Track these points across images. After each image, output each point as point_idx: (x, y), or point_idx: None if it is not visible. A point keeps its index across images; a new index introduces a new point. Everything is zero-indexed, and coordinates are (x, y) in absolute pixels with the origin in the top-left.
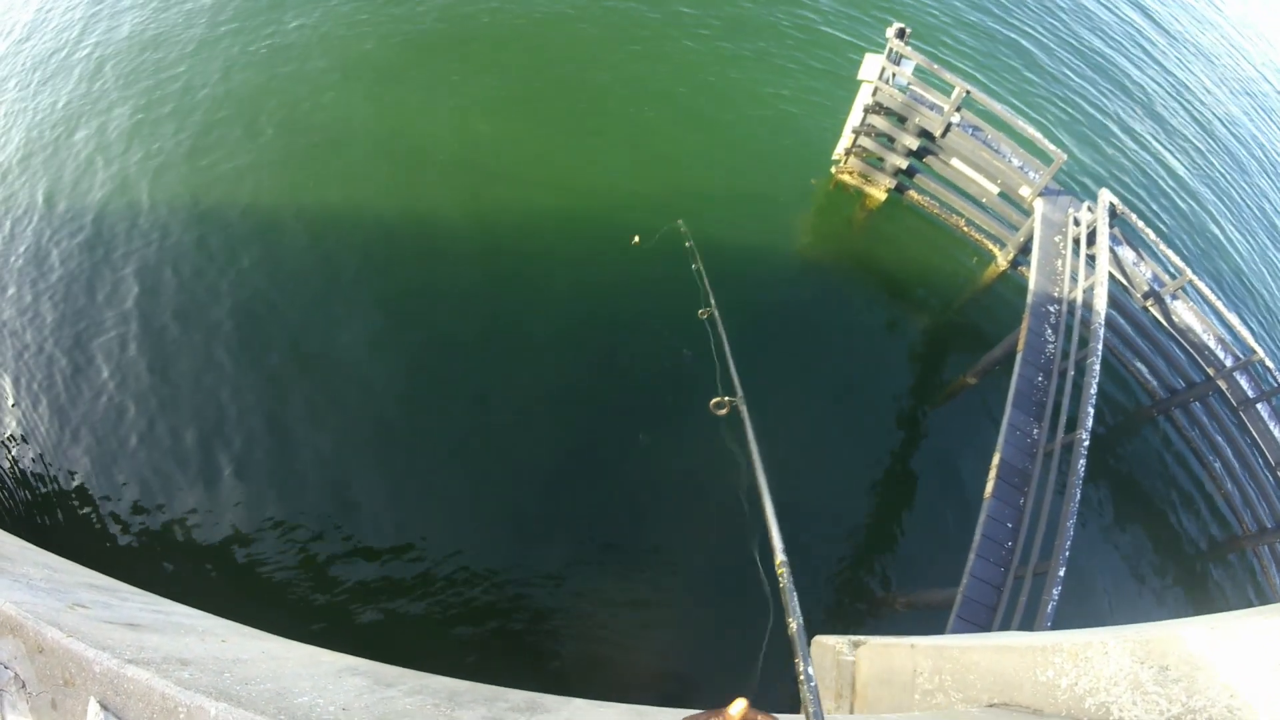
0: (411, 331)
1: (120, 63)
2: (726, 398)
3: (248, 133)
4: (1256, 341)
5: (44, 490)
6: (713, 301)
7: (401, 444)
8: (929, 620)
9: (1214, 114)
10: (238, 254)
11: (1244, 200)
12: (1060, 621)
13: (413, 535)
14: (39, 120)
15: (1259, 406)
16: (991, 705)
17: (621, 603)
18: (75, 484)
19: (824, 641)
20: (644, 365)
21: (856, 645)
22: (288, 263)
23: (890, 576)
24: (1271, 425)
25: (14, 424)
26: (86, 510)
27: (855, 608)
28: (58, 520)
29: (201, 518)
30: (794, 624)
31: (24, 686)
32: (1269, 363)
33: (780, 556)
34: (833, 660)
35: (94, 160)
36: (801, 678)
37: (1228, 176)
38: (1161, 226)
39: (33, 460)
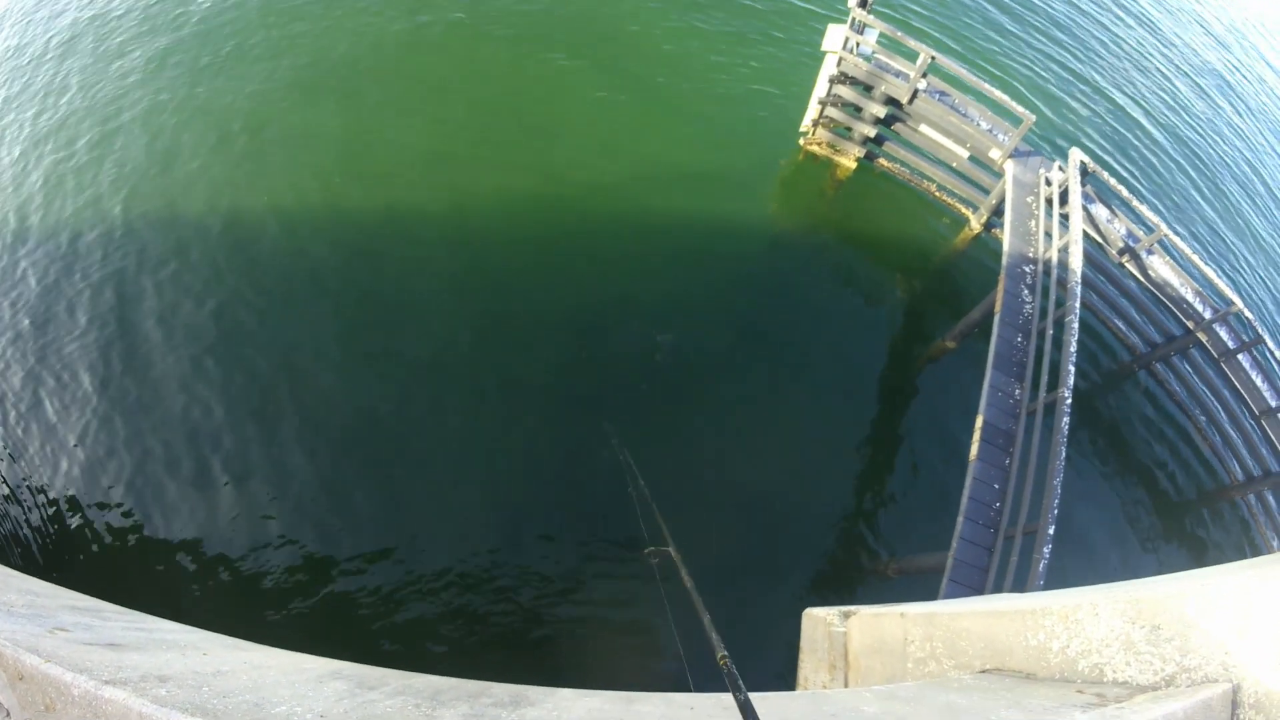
0: (389, 331)
1: (86, 75)
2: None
3: (220, 140)
4: (1234, 293)
5: (33, 513)
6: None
7: (387, 446)
8: (922, 585)
9: (1181, 67)
10: (218, 261)
11: (1215, 152)
12: (1053, 580)
13: (400, 537)
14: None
15: (1240, 357)
16: (984, 671)
17: (608, 595)
18: (62, 502)
19: (814, 614)
20: (623, 355)
21: (847, 616)
22: (268, 267)
23: (881, 544)
24: (1254, 375)
25: None
26: (75, 528)
27: (847, 577)
28: (47, 544)
29: (189, 528)
30: (741, 697)
31: (8, 715)
32: (1248, 314)
33: (721, 651)
34: (824, 632)
35: (64, 176)
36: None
37: (1197, 129)
38: (1134, 183)
39: (19, 482)
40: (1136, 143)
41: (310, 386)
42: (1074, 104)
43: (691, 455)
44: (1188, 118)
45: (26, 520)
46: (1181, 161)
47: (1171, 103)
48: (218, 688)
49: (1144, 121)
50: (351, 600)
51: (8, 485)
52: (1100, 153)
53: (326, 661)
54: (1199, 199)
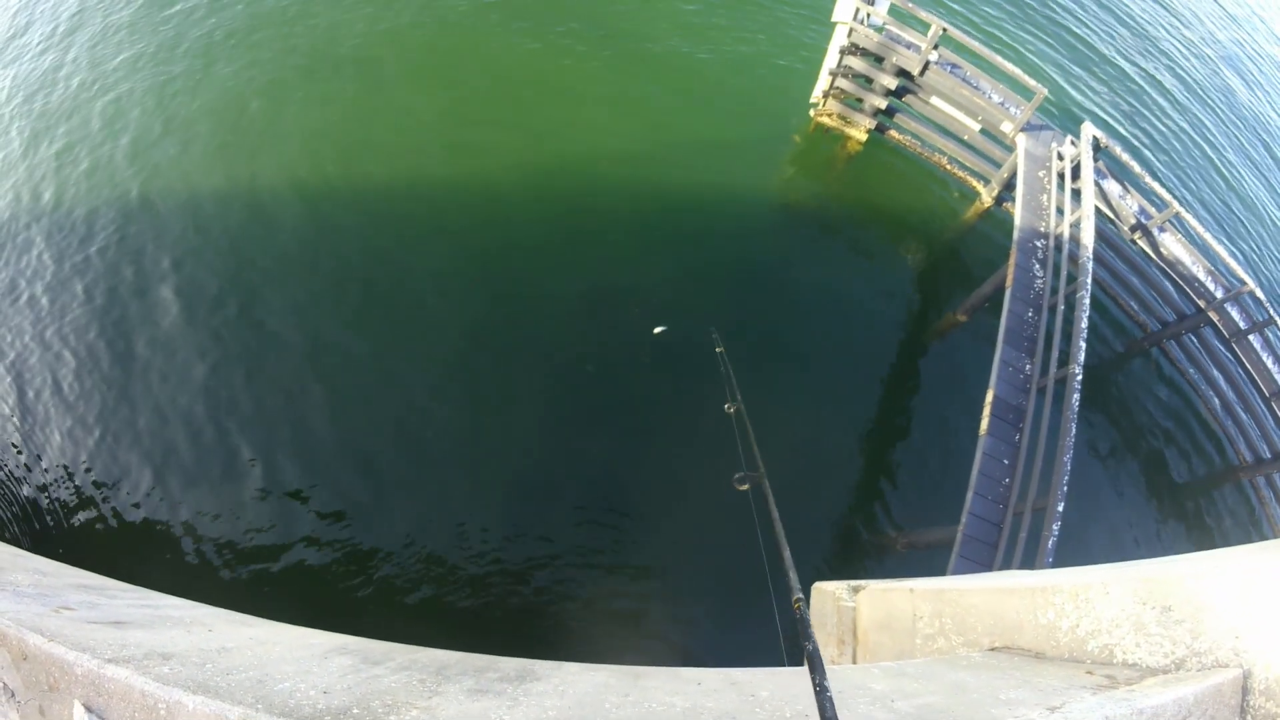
0: (397, 308)
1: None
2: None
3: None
4: (1246, 272)
5: (46, 494)
6: (739, 397)
7: (396, 425)
8: (931, 560)
9: (1196, 44)
10: (224, 244)
11: (1230, 129)
12: (1061, 557)
13: (412, 517)
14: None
15: (1251, 338)
16: (993, 649)
17: (623, 569)
18: (77, 479)
19: (824, 588)
20: (629, 332)
21: (856, 590)
22: (272, 250)
23: (891, 518)
24: (1264, 356)
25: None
26: (88, 510)
27: (856, 551)
28: (60, 522)
29: (202, 505)
30: (810, 645)
31: (13, 695)
32: (1259, 294)
33: (797, 594)
34: (833, 606)
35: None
36: (816, 690)
37: (1212, 107)
38: (1148, 158)
39: (34, 459)
40: (1151, 118)
41: (330, 363)
42: (1088, 78)
43: (698, 429)
44: (1203, 95)
45: (38, 498)
46: (1197, 138)
47: (1187, 79)
48: (221, 665)
49: (1158, 97)
50: (359, 577)
51: (24, 463)
52: (1113, 127)
53: (332, 636)
54: (1214, 176)
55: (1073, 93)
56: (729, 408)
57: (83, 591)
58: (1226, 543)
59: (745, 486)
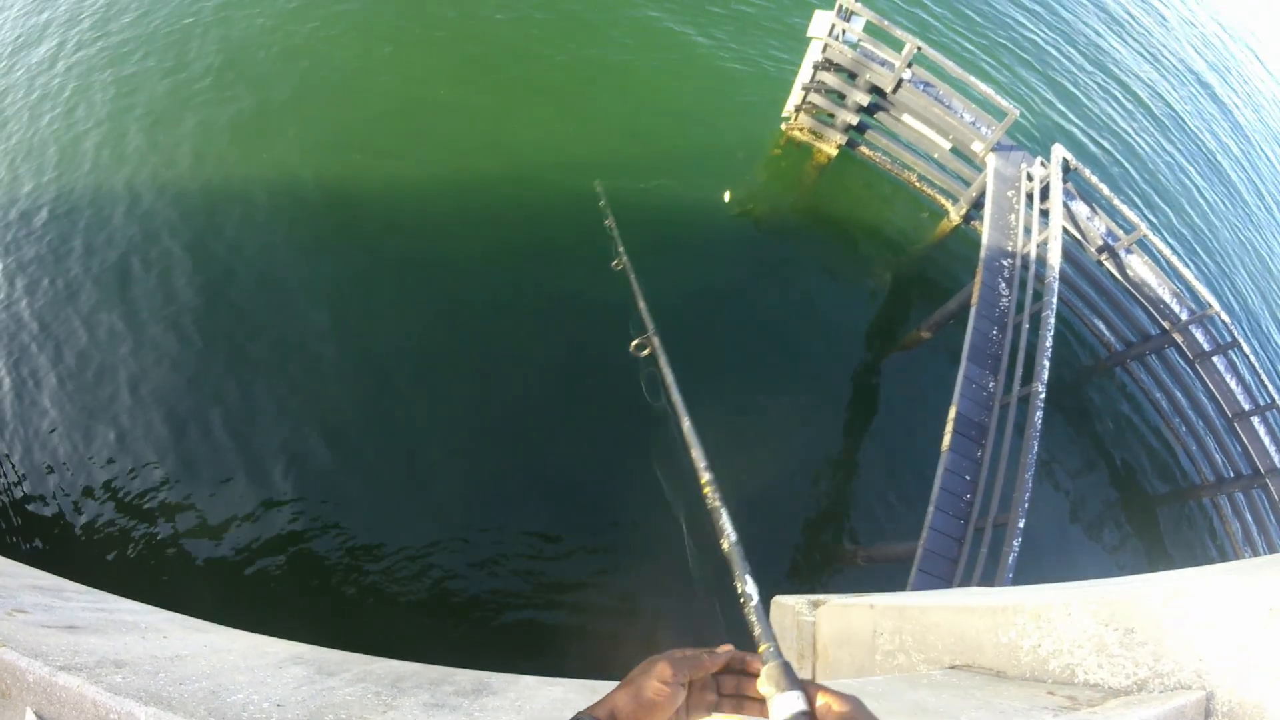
0: (353, 305)
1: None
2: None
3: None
4: (1211, 295)
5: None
6: (622, 250)
7: (359, 428)
8: (891, 574)
9: (1168, 67)
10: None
11: (1198, 154)
12: (1021, 573)
13: (378, 523)
14: None
15: (1215, 359)
16: (953, 667)
17: (576, 578)
18: (39, 478)
19: (783, 602)
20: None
21: (816, 605)
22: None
23: (851, 532)
24: (1228, 378)
25: None
26: (43, 506)
27: (816, 565)
28: (19, 524)
29: (163, 509)
30: (726, 543)
31: None
32: (1224, 316)
33: (705, 475)
34: (793, 621)
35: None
36: (741, 598)
37: (1182, 130)
38: (1116, 181)
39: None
40: (1120, 141)
41: (295, 364)
42: (1059, 100)
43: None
44: (1176, 119)
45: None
46: (1167, 161)
47: (1157, 103)
48: (175, 674)
49: (1128, 121)
50: (320, 579)
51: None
52: (1083, 150)
53: (289, 645)
54: (1181, 200)
55: (1044, 114)
56: (615, 264)
57: (38, 593)
58: (1189, 562)
59: (645, 352)
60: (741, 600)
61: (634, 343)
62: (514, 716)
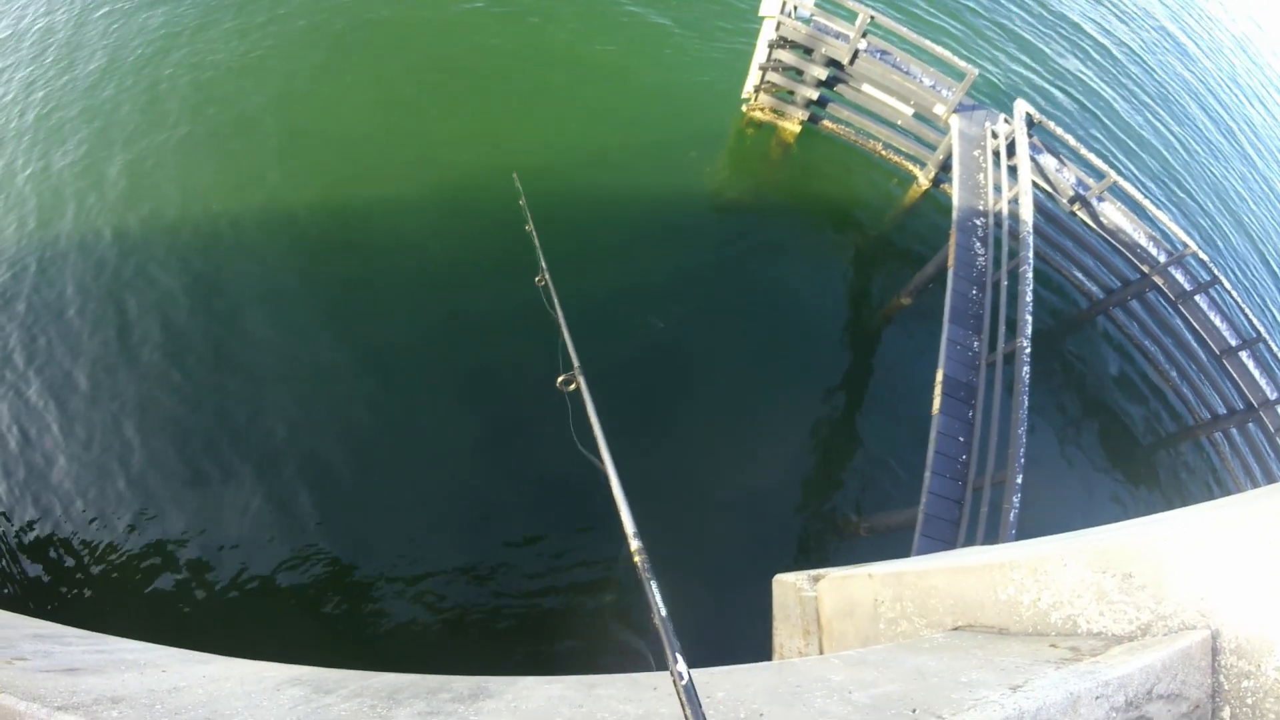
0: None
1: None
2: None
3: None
4: (1188, 235)
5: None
6: (545, 265)
7: (347, 441)
8: (896, 542)
9: (1127, 12)
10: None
11: (1158, 95)
12: (1024, 529)
13: (366, 538)
14: None
15: (1197, 298)
16: (956, 629)
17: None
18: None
19: (784, 580)
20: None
21: (816, 580)
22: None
23: (850, 503)
24: (1212, 315)
25: None
26: (42, 557)
27: (820, 539)
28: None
29: (148, 545)
30: (656, 617)
31: None
32: (1202, 255)
33: (634, 543)
34: (795, 598)
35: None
36: (672, 677)
37: (1138, 73)
38: (1084, 129)
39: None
40: (1079, 91)
41: (267, 384)
42: (1018, 55)
43: (651, 429)
44: (1127, 61)
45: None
46: (1132, 105)
47: (1112, 48)
48: (171, 705)
49: (1086, 69)
50: (317, 601)
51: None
52: (1052, 99)
53: (286, 668)
54: (1152, 140)
55: (1003, 71)
56: (538, 280)
57: (38, 641)
58: (1188, 502)
59: (572, 387)
60: (673, 680)
61: (560, 379)
62: (509, 718)
